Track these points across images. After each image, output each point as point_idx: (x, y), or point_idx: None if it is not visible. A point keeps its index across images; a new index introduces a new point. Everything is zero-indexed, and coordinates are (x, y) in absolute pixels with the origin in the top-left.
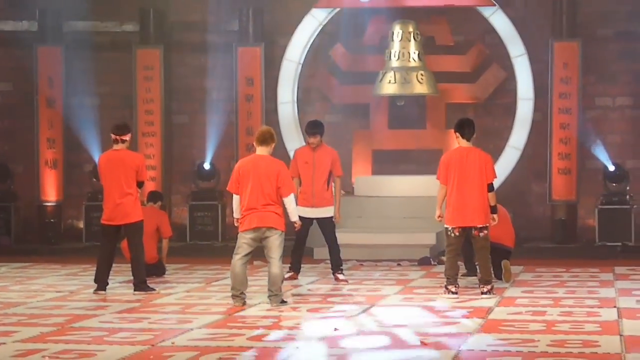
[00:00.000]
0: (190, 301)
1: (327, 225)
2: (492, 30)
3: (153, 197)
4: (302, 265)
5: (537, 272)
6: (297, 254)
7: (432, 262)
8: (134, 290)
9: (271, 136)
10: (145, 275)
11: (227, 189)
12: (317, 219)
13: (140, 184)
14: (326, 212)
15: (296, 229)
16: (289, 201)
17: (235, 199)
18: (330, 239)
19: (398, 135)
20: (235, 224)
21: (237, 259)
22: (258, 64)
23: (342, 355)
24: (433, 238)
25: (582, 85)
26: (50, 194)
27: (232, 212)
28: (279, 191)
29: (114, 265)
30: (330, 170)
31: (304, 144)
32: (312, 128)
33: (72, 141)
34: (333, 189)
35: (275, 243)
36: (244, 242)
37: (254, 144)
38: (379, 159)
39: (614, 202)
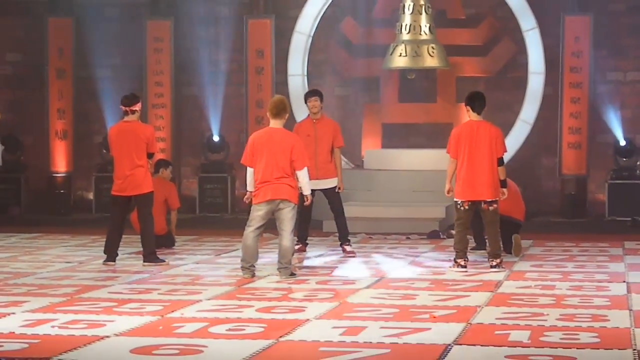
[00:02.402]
0: (200, 272)
1: (333, 196)
2: (503, 4)
3: (159, 165)
4: (311, 238)
5: (547, 246)
6: (303, 226)
7: (442, 236)
8: (144, 261)
9: (284, 108)
10: (155, 247)
11: (241, 162)
12: (322, 190)
13: (150, 156)
14: (331, 182)
15: (306, 203)
16: (303, 174)
17: (250, 172)
18: (337, 210)
19: (408, 108)
20: (245, 200)
21: (250, 231)
22: (268, 36)
23: (351, 328)
24: (442, 212)
25: (593, 59)
26: (60, 165)
27: (242, 185)
28: (293, 164)
29: (123, 236)
30: (332, 142)
31: None
32: (309, 93)
33: (82, 112)
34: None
35: (288, 216)
36: (257, 215)
37: (268, 115)
38: (389, 132)
39: (624, 177)
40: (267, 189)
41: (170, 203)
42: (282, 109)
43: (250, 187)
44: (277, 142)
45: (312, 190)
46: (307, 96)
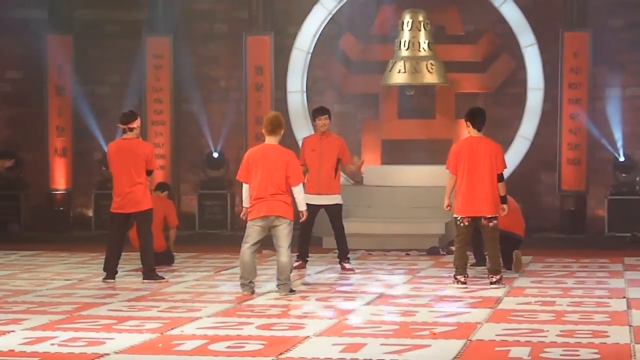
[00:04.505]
0: (199, 290)
1: (335, 213)
2: (502, 20)
3: (159, 187)
4: (311, 255)
5: (547, 262)
6: (304, 243)
7: (441, 252)
8: (143, 278)
9: (279, 124)
10: (155, 264)
11: (236, 178)
12: (323, 206)
13: (149, 173)
14: (333, 199)
15: (302, 220)
16: (298, 191)
17: (245, 188)
18: (337, 227)
19: (407, 125)
20: (242, 216)
21: (246, 247)
22: (268, 53)
23: (351, 345)
24: (442, 228)
25: (592, 75)
26: (60, 182)
27: (242, 201)
28: (288, 180)
29: (123, 253)
30: (338, 158)
31: (313, 132)
32: (319, 110)
33: (81, 129)
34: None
35: (284, 232)
36: (252, 231)
37: (263, 132)
38: (388, 148)
39: (624, 193)
40: (261, 205)
41: (169, 220)
42: (278, 125)
43: (245, 203)
44: (272, 159)
45: (314, 205)
46: (316, 114)
